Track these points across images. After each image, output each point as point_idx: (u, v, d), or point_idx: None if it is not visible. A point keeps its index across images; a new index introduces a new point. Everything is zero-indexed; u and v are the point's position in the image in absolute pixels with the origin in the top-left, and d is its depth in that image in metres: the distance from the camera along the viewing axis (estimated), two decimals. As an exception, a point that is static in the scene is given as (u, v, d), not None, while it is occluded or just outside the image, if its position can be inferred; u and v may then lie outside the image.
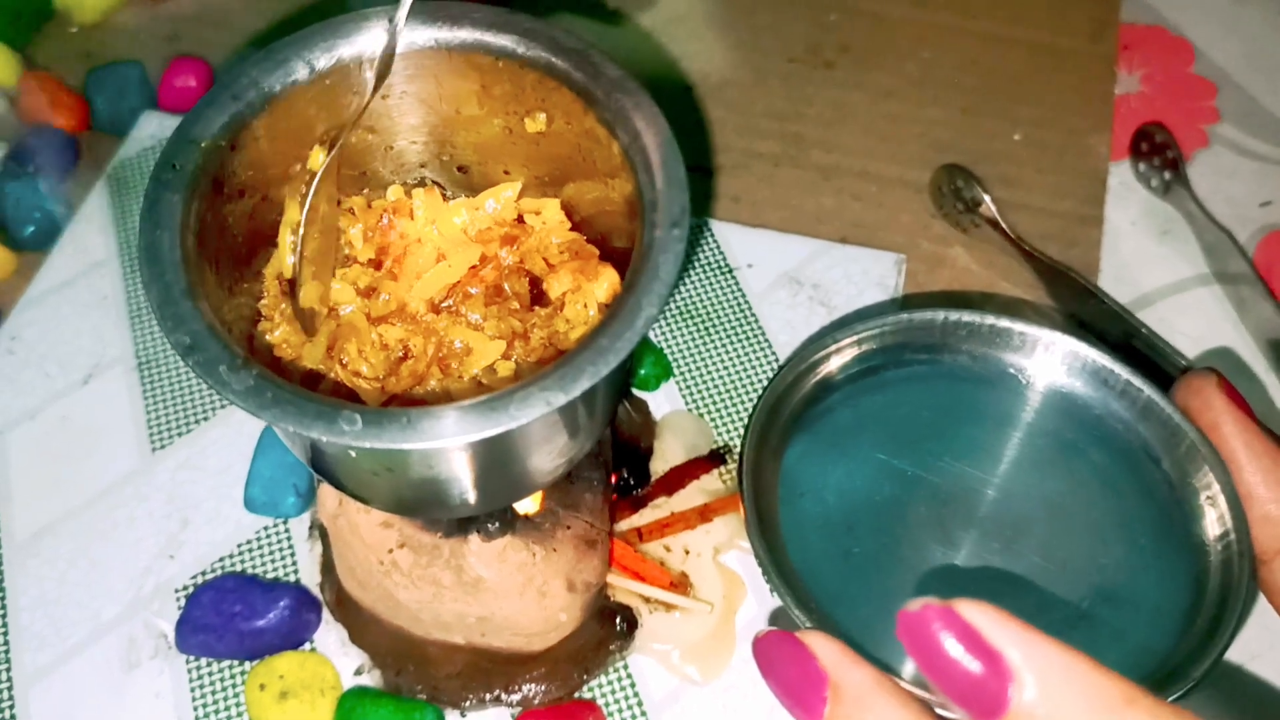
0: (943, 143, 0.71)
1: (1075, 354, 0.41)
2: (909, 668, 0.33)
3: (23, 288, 0.63)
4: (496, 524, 0.46)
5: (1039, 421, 0.41)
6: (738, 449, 0.55)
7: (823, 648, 0.28)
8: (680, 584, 0.52)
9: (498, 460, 0.39)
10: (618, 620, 0.51)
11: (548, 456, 0.40)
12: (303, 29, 0.41)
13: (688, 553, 0.53)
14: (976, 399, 0.42)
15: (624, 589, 0.52)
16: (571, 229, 0.45)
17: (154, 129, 0.69)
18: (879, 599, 0.37)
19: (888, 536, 0.38)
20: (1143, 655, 0.36)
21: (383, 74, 0.41)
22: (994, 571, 0.38)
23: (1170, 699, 0.34)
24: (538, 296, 0.44)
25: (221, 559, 0.54)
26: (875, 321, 0.42)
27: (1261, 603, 0.38)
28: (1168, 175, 0.68)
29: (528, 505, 0.48)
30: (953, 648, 0.26)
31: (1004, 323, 0.42)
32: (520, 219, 0.46)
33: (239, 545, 0.54)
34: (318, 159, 0.42)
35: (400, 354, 0.41)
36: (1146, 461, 0.40)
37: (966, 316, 0.42)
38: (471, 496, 0.40)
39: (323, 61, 0.41)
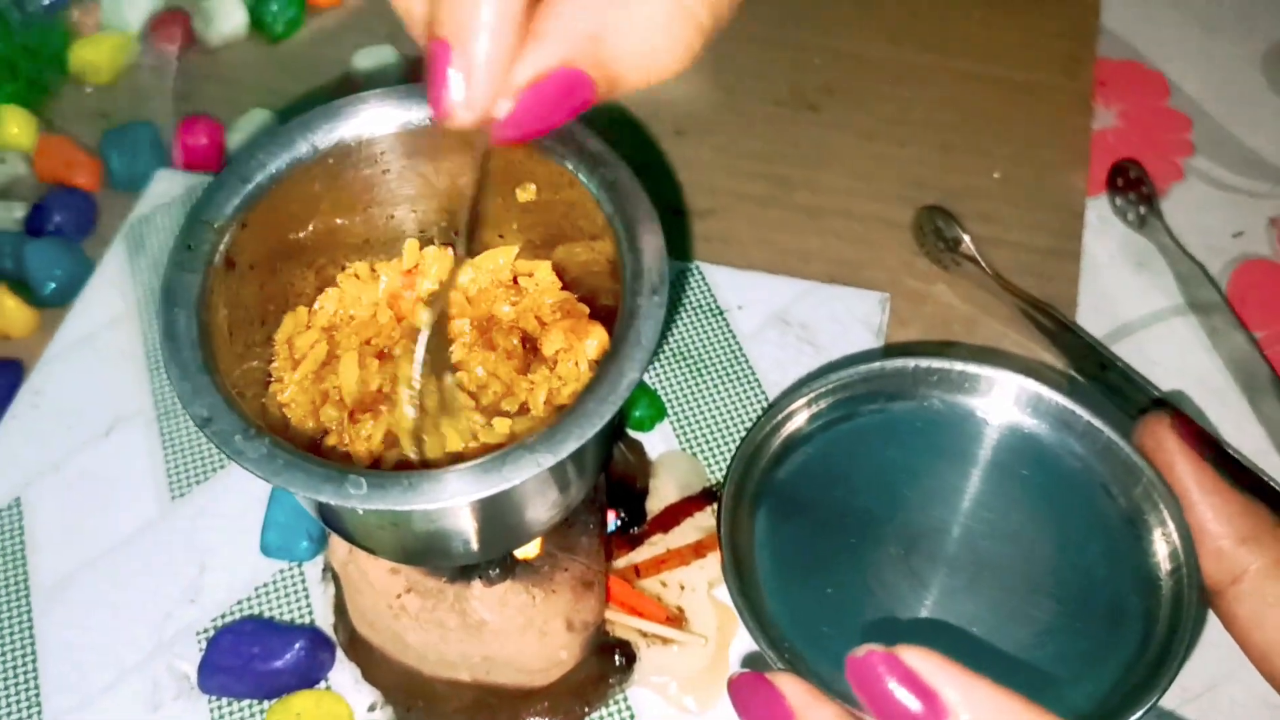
0: (923, 181, 0.74)
1: (1039, 397, 0.44)
2: None
3: (45, 344, 0.66)
4: (497, 570, 0.48)
5: (1004, 462, 0.44)
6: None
7: (791, 688, 0.32)
8: (676, 618, 0.55)
9: (495, 514, 0.41)
10: (617, 655, 0.53)
11: (543, 508, 0.43)
12: (306, 113, 0.44)
13: (683, 588, 0.56)
14: (945, 442, 0.44)
15: (623, 624, 0.54)
16: (562, 289, 0.48)
17: (167, 186, 0.72)
18: (852, 637, 0.39)
19: (859, 576, 0.41)
20: (1094, 686, 0.38)
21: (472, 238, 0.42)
22: (958, 606, 0.40)
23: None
24: (529, 353, 0.47)
25: (240, 602, 0.57)
26: (849, 371, 0.44)
27: (1219, 632, 0.41)
28: (1143, 209, 0.71)
29: (528, 550, 0.51)
30: (895, 689, 0.29)
31: (972, 369, 0.44)
32: (515, 280, 0.48)
33: (256, 589, 0.57)
34: (420, 317, 0.41)
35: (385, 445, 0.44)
36: (1105, 499, 0.42)
37: (937, 364, 0.44)
38: (472, 547, 0.43)
39: (325, 141, 0.44)
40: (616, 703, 0.53)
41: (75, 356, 0.65)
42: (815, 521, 0.43)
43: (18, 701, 0.54)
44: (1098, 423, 0.42)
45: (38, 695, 0.54)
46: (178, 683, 0.54)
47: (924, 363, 0.44)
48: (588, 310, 0.47)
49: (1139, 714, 0.37)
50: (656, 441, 0.61)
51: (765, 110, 0.78)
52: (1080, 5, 0.83)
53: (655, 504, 0.58)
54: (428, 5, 0.30)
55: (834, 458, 0.44)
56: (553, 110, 0.31)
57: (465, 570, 0.49)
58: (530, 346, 0.47)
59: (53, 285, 0.68)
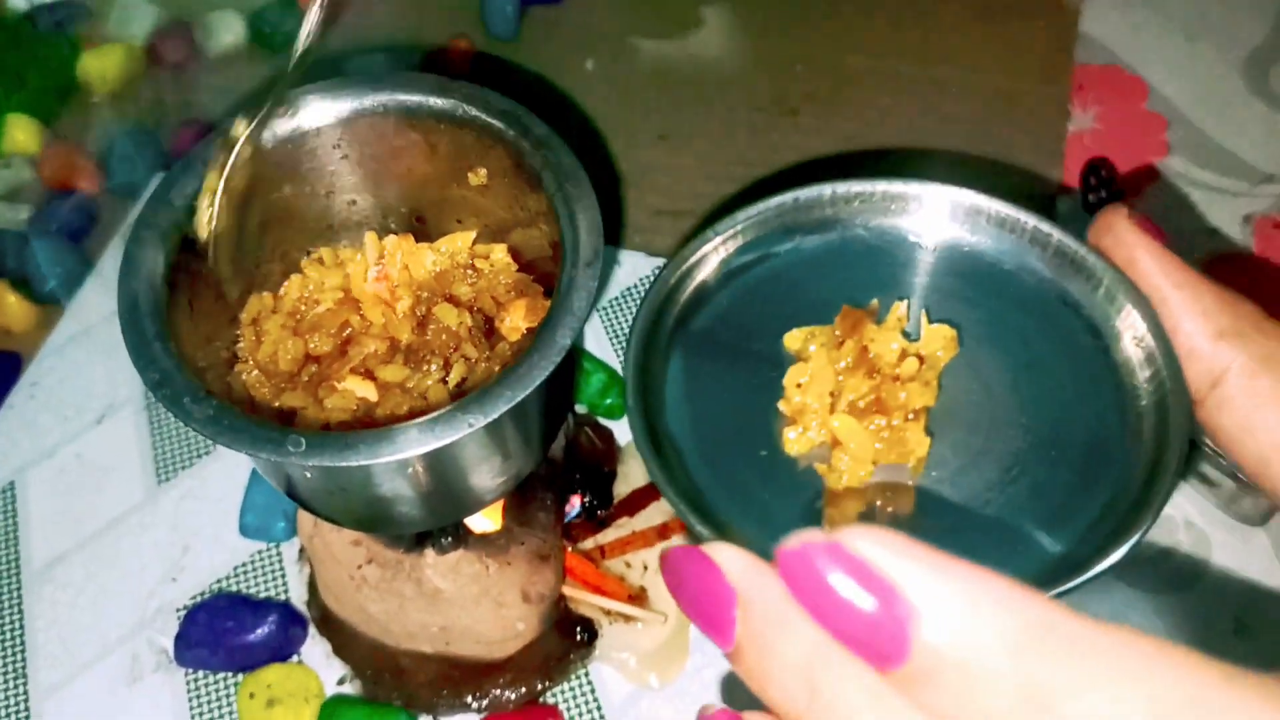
0: (900, 182, 0.75)
1: (976, 208, 0.39)
2: None
3: (44, 338, 0.69)
4: (449, 539, 0.50)
5: (946, 286, 0.39)
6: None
7: (729, 559, 0.25)
8: (639, 597, 0.56)
9: (438, 478, 0.43)
10: (579, 631, 0.55)
11: (487, 475, 0.45)
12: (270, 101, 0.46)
13: (646, 568, 0.57)
14: (878, 274, 0.40)
15: (585, 602, 0.56)
16: (519, 271, 0.50)
17: (165, 190, 0.74)
18: (795, 504, 0.35)
19: None
20: (1081, 513, 0.34)
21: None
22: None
23: (1124, 548, 0.32)
24: (488, 333, 0.49)
25: (219, 581, 0.59)
26: (758, 207, 0.40)
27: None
28: (1114, 207, 0.72)
29: (487, 524, 0.52)
30: (842, 585, 0.22)
31: (898, 187, 0.39)
32: (472, 264, 0.50)
33: (235, 568, 0.59)
34: (240, 129, 0.44)
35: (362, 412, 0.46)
36: (1066, 312, 0.38)
37: (856, 186, 0.40)
38: (420, 512, 0.45)
39: (284, 126, 0.46)
40: (578, 677, 0.55)
41: (71, 350, 0.68)
42: (740, 379, 0.38)
43: (5, 674, 0.56)
44: (1045, 226, 0.38)
45: (25, 668, 0.57)
46: (156, 656, 0.57)
47: (841, 187, 0.39)
48: (541, 289, 0.49)
49: (1141, 532, 0.32)
50: (626, 429, 0.62)
51: (747, 117, 0.80)
52: (1060, 14, 0.85)
53: (623, 489, 0.60)
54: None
55: (753, 306, 0.39)
56: None
57: (420, 541, 0.50)
58: (489, 327, 0.49)
59: (53, 283, 0.71)
